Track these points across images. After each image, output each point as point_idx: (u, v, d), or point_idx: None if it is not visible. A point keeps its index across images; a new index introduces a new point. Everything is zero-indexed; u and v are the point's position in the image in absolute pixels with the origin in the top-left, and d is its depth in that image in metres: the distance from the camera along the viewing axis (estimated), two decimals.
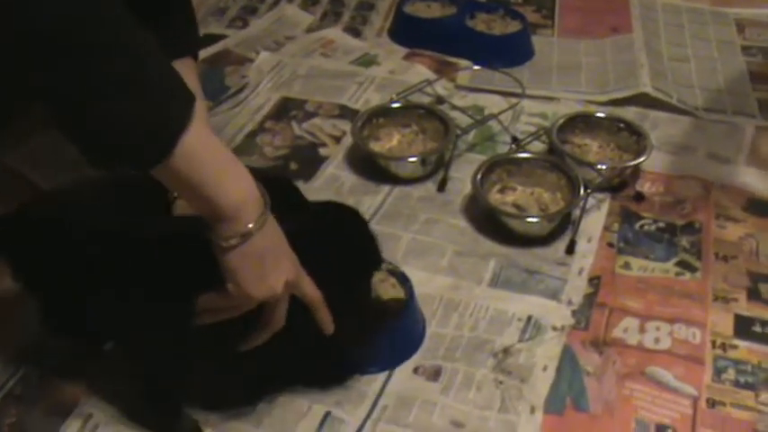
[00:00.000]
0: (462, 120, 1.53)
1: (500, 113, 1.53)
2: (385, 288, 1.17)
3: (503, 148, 1.50)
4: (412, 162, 1.45)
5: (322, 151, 1.53)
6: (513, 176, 1.40)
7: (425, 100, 1.61)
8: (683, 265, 1.28)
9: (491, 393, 1.09)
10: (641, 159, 1.41)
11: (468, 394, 1.09)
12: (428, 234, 1.34)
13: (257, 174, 0.90)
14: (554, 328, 1.18)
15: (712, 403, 1.08)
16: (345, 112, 1.61)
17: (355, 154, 1.50)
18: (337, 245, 1.03)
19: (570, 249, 1.30)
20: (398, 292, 1.16)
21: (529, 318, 1.19)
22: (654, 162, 1.46)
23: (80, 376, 1.10)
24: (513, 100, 1.60)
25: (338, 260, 1.01)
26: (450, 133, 1.46)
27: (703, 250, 1.30)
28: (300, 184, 1.42)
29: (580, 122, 1.50)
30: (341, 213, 1.08)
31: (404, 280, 1.18)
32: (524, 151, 1.44)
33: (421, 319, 1.18)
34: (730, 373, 1.12)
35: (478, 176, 1.35)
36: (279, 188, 1.08)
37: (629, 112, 1.58)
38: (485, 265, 1.28)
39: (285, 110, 1.62)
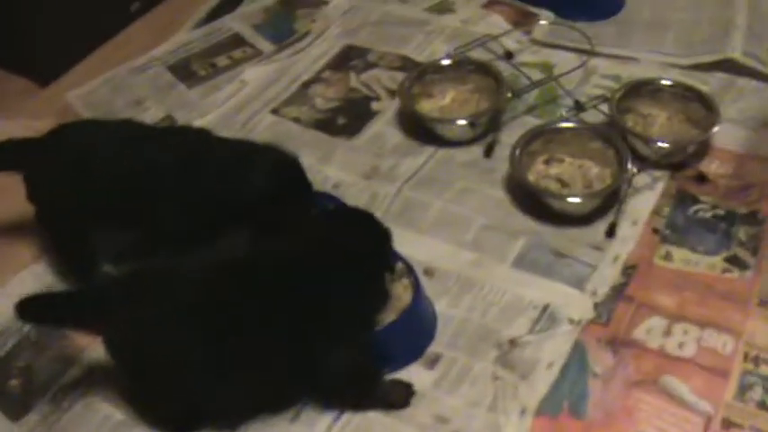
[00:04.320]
0: (524, 80, 1.42)
1: (560, 75, 1.41)
2: (397, 290, 1.07)
3: (565, 112, 1.38)
4: (460, 125, 1.36)
5: (374, 106, 1.46)
6: (560, 147, 1.29)
7: (491, 55, 1.50)
8: (734, 260, 1.14)
9: (485, 389, 1.02)
10: (706, 136, 1.27)
11: (460, 388, 1.02)
12: (460, 204, 1.26)
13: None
14: (570, 321, 1.08)
15: (728, 424, 0.96)
16: (407, 64, 1.53)
17: (406, 111, 1.42)
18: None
19: (611, 232, 1.19)
20: (409, 296, 1.07)
21: (545, 307, 1.10)
22: (726, 138, 1.30)
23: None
24: (585, 58, 1.47)
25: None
26: (502, 94, 1.36)
27: (761, 246, 1.16)
28: (342, 141, 1.38)
29: (647, 90, 1.36)
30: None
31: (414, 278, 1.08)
32: (576, 120, 1.32)
33: (431, 315, 1.10)
34: (756, 392, 0.99)
35: (517, 151, 1.25)
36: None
37: (714, 79, 1.42)
38: (512, 243, 1.19)
39: (347, 59, 1.56)
